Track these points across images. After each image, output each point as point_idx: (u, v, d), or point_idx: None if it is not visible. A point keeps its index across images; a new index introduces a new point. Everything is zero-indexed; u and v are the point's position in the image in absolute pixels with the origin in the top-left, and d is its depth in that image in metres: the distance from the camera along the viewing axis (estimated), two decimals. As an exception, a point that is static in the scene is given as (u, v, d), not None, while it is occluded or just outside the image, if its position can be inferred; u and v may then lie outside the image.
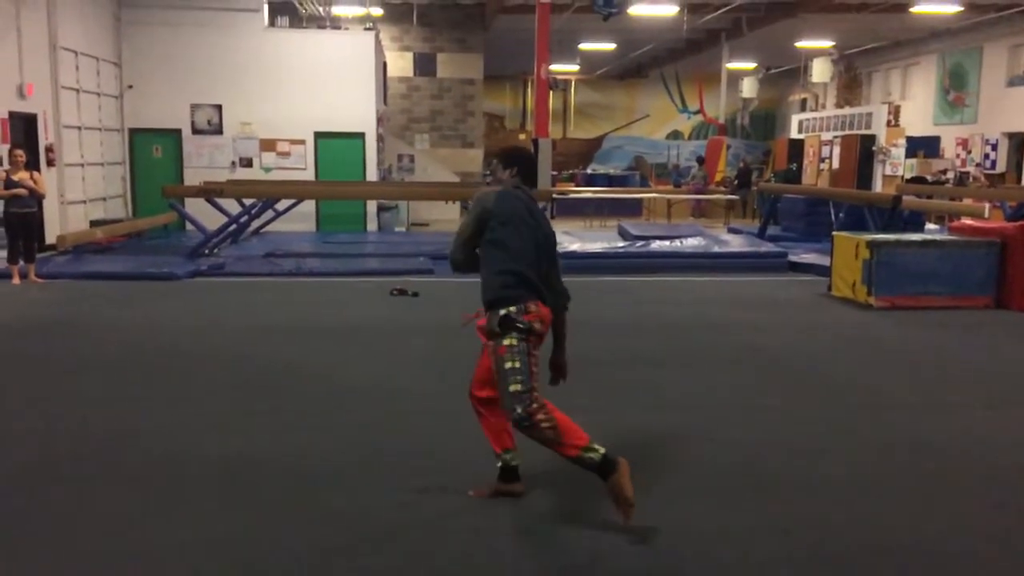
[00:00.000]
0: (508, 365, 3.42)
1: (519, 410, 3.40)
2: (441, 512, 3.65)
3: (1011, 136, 19.04)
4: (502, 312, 3.45)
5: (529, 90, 27.38)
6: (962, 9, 17.45)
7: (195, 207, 13.19)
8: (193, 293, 9.43)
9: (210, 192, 12.52)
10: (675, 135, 30.50)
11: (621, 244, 12.25)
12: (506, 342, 3.44)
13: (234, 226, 12.84)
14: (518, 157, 3.83)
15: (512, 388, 3.41)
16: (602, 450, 3.40)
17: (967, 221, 10.04)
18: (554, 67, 21.58)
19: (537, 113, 12.93)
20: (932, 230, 13.83)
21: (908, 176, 19.82)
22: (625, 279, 10.53)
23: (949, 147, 20.86)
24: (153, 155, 16.12)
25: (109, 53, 15.22)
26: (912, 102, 22.88)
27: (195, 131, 16.06)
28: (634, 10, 16.13)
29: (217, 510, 3.68)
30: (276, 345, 6.84)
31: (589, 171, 26.92)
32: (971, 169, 19.58)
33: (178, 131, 16.01)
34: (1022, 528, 3.61)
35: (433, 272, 11.02)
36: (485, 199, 3.63)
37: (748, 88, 25.55)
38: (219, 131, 16.08)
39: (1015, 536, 3.53)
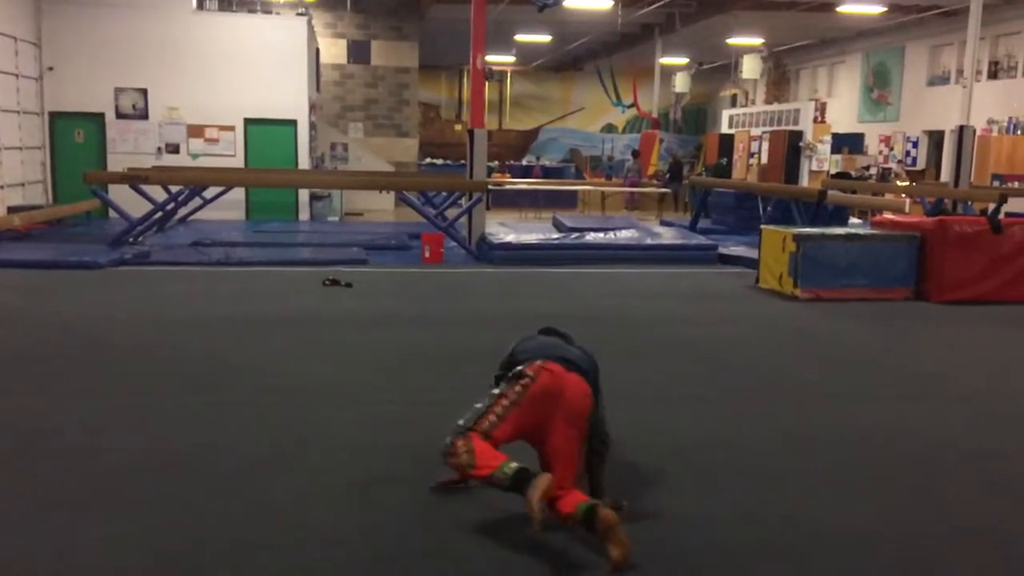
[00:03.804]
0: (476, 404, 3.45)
1: (448, 439, 3.34)
2: (385, 504, 3.62)
3: (931, 134, 19.70)
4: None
5: (465, 80, 27.27)
6: (886, 10, 17.98)
7: (119, 194, 12.78)
8: (116, 283, 9.15)
9: (134, 178, 12.17)
10: (609, 128, 30.76)
11: (556, 236, 12.31)
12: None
13: (160, 214, 12.50)
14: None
15: (460, 420, 3.39)
16: (514, 466, 3.20)
17: (889, 216, 10.36)
18: (490, 58, 21.51)
19: (473, 104, 12.86)
20: (855, 224, 14.24)
21: (833, 172, 20.37)
22: (559, 271, 10.59)
23: (872, 144, 21.49)
24: (75, 140, 15.58)
25: (28, 33, 14.64)
26: (838, 99, 23.50)
27: (119, 115, 15.58)
28: (569, 3, 16.19)
29: (140, 505, 3.58)
30: (203, 337, 6.68)
31: (524, 162, 26.99)
32: (893, 165, 20.22)
33: (101, 115, 15.51)
34: (941, 514, 3.75)
35: (367, 262, 10.92)
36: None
37: (681, 83, 25.91)
38: (144, 116, 15.63)
39: (934, 522, 3.66)
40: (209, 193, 13.16)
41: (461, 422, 3.38)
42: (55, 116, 15.39)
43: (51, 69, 15.14)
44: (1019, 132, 16.93)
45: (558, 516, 3.19)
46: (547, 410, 3.40)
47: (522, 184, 20.30)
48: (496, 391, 3.45)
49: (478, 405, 3.43)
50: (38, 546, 3.22)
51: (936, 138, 19.44)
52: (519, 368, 3.47)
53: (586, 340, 7.01)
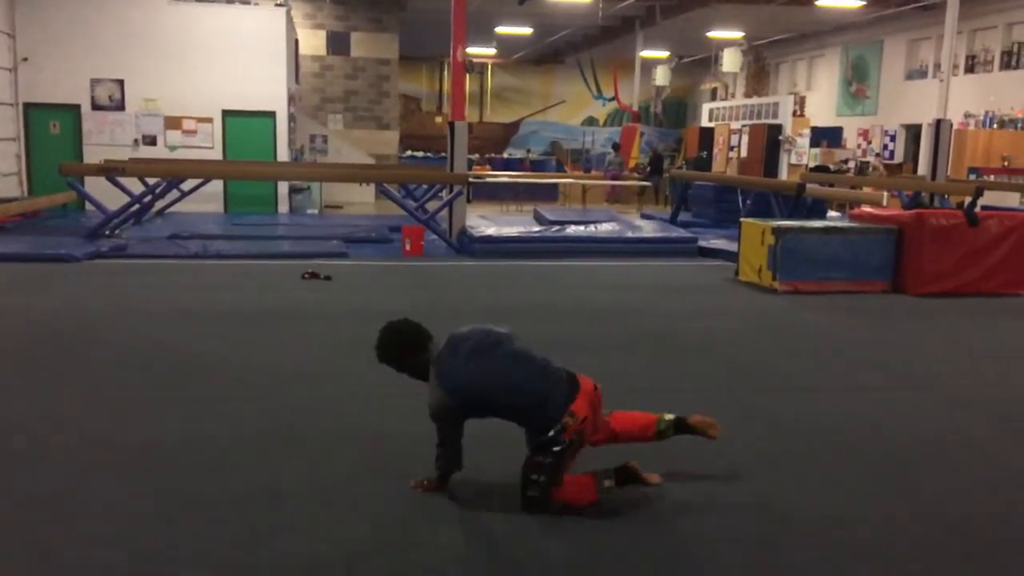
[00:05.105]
0: None
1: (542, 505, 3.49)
2: (359, 498, 3.61)
3: (908, 128, 19.86)
4: None
5: (446, 72, 27.16)
6: (864, 4, 18.09)
7: (95, 186, 12.64)
8: (93, 276, 9.06)
9: (111, 170, 12.04)
10: (590, 121, 30.76)
11: (537, 229, 12.31)
12: None
13: (137, 206, 12.38)
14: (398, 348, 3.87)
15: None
16: (607, 484, 3.54)
17: (867, 209, 10.43)
18: (471, 50, 21.48)
19: (453, 96, 12.82)
20: (834, 217, 14.33)
21: (812, 165, 20.48)
22: (541, 263, 10.59)
23: (851, 137, 21.63)
24: (50, 131, 15.39)
25: (2, 23, 14.45)
26: (817, 93, 23.62)
27: (95, 107, 15.41)
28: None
29: (117, 500, 3.55)
30: (181, 330, 6.63)
31: (506, 155, 26.95)
32: (871, 159, 20.36)
33: (77, 107, 15.33)
34: (914, 500, 3.78)
35: (347, 255, 10.87)
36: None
37: (661, 76, 25.95)
38: (121, 107, 15.48)
39: (907, 507, 3.70)
40: (187, 185, 13.04)
41: (537, 479, 3.44)
42: (30, 107, 15.20)
43: (26, 60, 14.94)
44: (995, 126, 17.11)
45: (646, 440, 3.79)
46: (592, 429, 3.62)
47: (503, 177, 20.27)
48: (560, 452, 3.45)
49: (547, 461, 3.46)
50: (14, 544, 3.18)
51: (914, 132, 19.59)
52: (563, 440, 3.41)
53: (566, 332, 7.00)
